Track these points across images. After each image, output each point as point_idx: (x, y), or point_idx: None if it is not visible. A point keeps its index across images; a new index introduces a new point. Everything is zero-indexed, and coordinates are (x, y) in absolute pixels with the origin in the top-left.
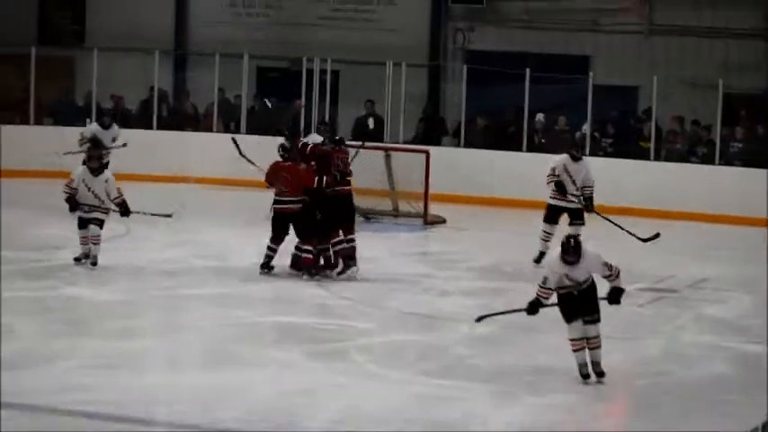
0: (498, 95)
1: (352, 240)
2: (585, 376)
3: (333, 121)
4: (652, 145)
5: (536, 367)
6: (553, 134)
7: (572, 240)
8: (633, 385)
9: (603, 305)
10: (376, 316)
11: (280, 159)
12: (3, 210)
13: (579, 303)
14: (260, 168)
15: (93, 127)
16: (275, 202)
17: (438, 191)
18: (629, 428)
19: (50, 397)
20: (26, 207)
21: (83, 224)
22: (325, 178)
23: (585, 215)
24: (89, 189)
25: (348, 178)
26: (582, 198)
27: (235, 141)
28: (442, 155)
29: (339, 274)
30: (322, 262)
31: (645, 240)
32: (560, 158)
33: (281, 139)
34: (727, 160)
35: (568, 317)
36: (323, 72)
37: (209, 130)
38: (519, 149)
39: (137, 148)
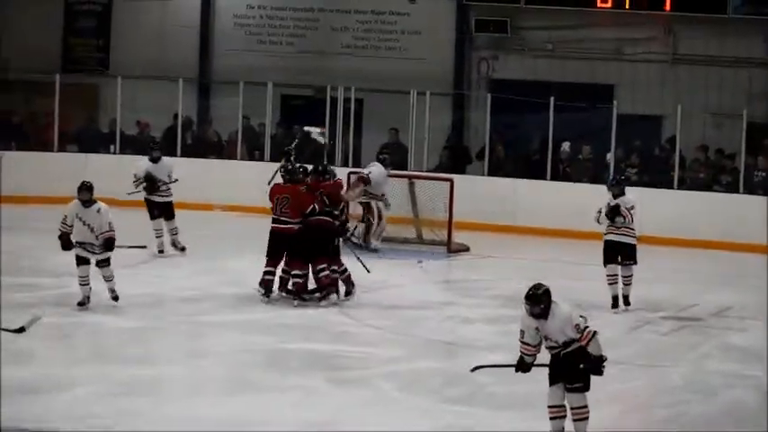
0: (522, 124)
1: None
2: None
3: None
4: (676, 173)
5: None
6: (577, 163)
7: (537, 290)
8: (655, 414)
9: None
10: (400, 343)
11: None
12: (25, 235)
13: (562, 367)
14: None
15: (144, 164)
16: (273, 221)
17: (462, 219)
18: None
19: (69, 423)
20: (48, 233)
21: (80, 261)
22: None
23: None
24: (84, 223)
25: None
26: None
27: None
28: (465, 183)
29: (346, 295)
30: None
31: None
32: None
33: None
34: (751, 189)
35: (549, 379)
36: (347, 100)
37: (233, 157)
38: (543, 178)
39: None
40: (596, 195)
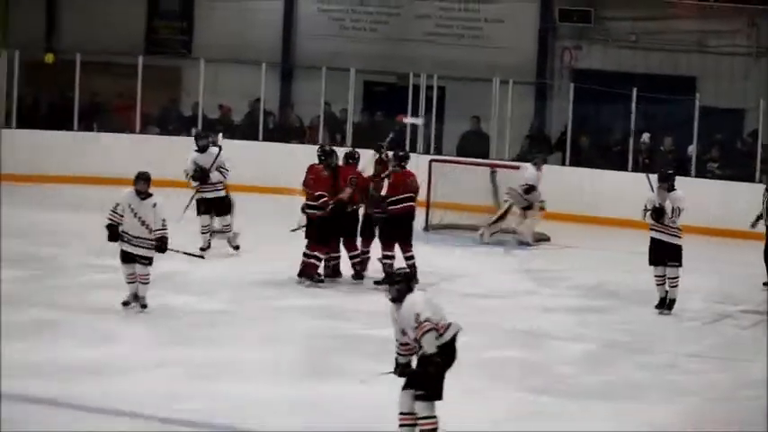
0: (604, 114)
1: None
2: None
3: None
4: (758, 167)
5: (635, 385)
6: (658, 154)
7: (394, 271)
8: (735, 407)
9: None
10: (479, 332)
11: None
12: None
13: (413, 371)
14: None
15: (192, 156)
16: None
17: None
18: None
19: (149, 403)
20: None
21: (126, 258)
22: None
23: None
24: (135, 215)
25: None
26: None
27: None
28: (547, 173)
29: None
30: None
31: None
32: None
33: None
34: None
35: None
36: (429, 88)
37: (315, 142)
38: (624, 169)
39: (243, 159)
40: (678, 186)
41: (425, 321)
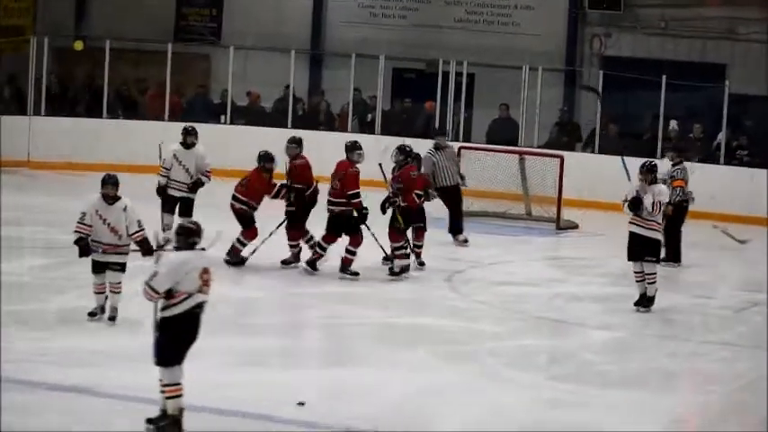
0: (634, 102)
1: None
2: None
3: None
4: None
5: (663, 373)
6: (687, 142)
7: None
8: (763, 394)
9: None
10: (507, 319)
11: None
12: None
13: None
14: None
15: (173, 148)
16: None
17: (571, 196)
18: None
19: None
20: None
21: (98, 268)
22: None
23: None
24: (104, 221)
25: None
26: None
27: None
28: (576, 160)
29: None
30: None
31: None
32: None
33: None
34: None
35: None
36: (458, 74)
37: (344, 130)
38: (653, 156)
39: (271, 146)
40: (705, 175)
41: (153, 277)
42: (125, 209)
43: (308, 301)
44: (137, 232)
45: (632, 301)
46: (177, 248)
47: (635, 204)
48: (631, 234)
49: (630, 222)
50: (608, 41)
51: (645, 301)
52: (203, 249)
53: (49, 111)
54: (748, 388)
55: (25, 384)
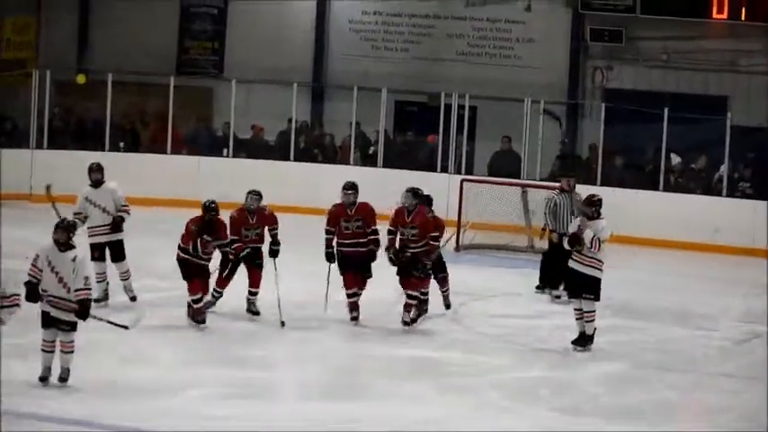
0: (636, 134)
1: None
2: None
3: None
4: None
5: (665, 405)
6: (690, 174)
7: None
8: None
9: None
10: (508, 351)
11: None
12: (137, 237)
13: None
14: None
15: (84, 192)
16: None
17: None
18: None
19: (181, 424)
20: (161, 235)
21: (47, 322)
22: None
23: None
24: (53, 270)
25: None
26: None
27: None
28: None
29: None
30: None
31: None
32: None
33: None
34: None
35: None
36: (461, 107)
37: (346, 162)
38: (656, 188)
39: (274, 178)
40: (708, 207)
41: None
42: (74, 259)
43: (306, 333)
44: (80, 290)
45: (635, 333)
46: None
47: (573, 241)
48: (571, 270)
49: (571, 258)
50: (610, 74)
51: (582, 341)
52: None
53: (51, 144)
54: (749, 419)
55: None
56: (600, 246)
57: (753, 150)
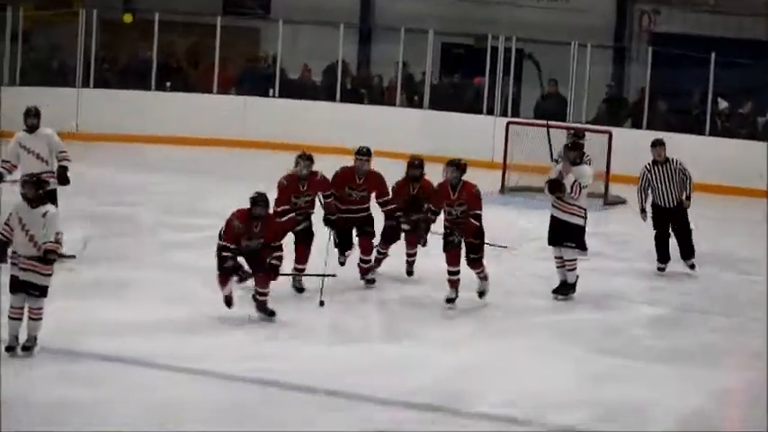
0: (682, 79)
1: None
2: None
3: None
4: None
5: (708, 349)
6: (737, 118)
7: None
8: None
9: None
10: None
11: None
12: (184, 177)
13: None
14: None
15: (17, 137)
16: None
17: (619, 172)
18: None
19: (227, 364)
20: (207, 174)
21: (15, 286)
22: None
23: None
24: (23, 228)
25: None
26: None
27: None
28: (623, 136)
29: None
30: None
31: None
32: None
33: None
34: None
35: None
36: (507, 50)
37: (392, 104)
38: (702, 133)
39: (320, 121)
40: (755, 153)
41: None
42: (44, 215)
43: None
44: (49, 242)
45: (678, 277)
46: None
47: (554, 187)
48: (551, 218)
49: (552, 205)
50: (657, 18)
51: (564, 289)
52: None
53: (97, 83)
54: None
55: (73, 354)
56: (581, 192)
57: None
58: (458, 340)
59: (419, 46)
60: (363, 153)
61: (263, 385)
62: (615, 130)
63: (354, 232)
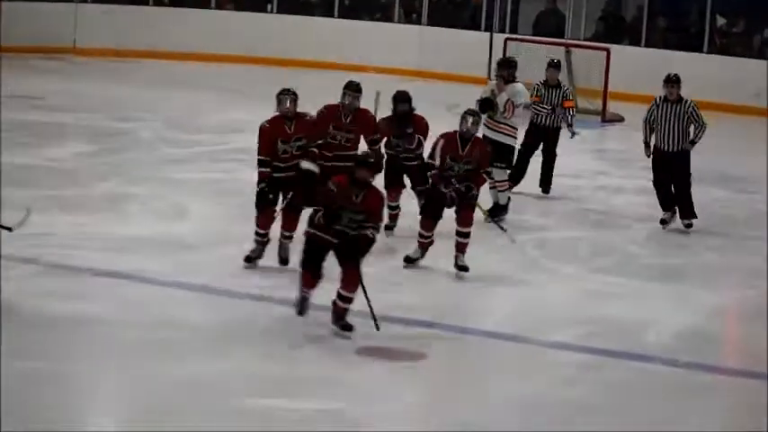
0: None
1: None
2: None
3: None
4: None
5: (705, 267)
6: (733, 37)
7: None
8: None
9: None
10: (551, 211)
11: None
12: (183, 92)
13: None
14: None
15: None
16: None
17: (617, 89)
18: None
19: (223, 280)
20: (208, 90)
21: None
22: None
23: None
24: None
25: None
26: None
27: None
28: (621, 53)
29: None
30: None
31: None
32: None
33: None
34: None
35: None
36: None
37: (390, 20)
38: (700, 50)
39: (317, 34)
40: (752, 71)
41: None
42: None
43: None
44: None
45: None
46: None
47: (485, 106)
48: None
49: (484, 125)
50: None
51: (496, 211)
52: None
53: None
54: None
55: (69, 269)
56: (514, 111)
57: None
58: (452, 255)
59: None
60: (353, 88)
61: (261, 300)
62: (613, 47)
63: None
